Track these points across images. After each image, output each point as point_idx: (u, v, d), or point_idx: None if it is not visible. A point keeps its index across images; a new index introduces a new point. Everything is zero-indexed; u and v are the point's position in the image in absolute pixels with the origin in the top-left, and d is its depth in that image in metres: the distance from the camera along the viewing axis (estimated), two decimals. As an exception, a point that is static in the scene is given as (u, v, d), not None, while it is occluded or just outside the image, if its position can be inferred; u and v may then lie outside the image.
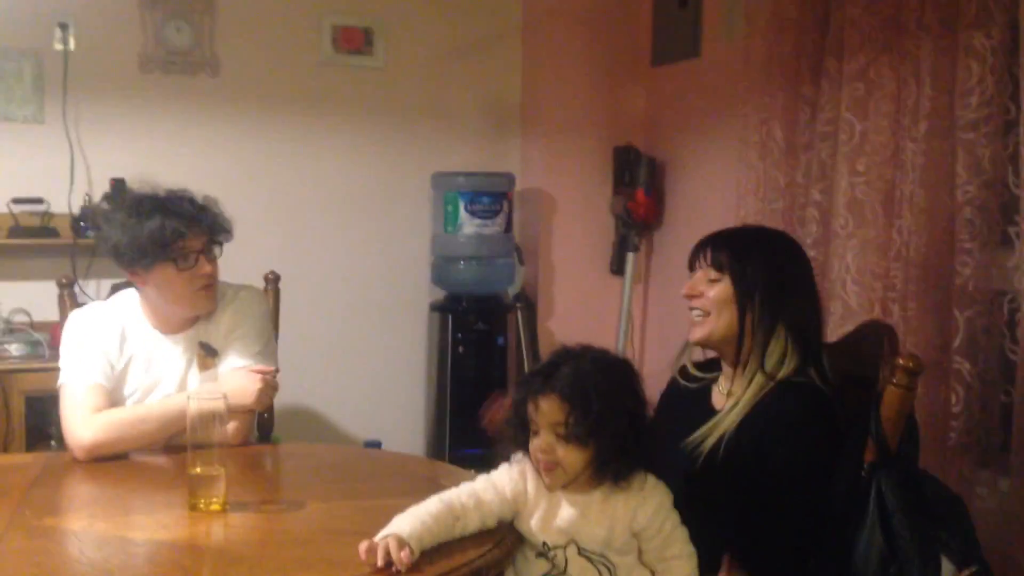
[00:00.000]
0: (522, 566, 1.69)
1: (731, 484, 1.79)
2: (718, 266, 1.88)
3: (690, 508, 1.73)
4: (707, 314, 1.89)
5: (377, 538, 1.49)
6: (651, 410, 1.72)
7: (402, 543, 1.47)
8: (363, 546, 1.47)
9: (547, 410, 1.62)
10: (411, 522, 1.53)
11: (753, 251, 1.90)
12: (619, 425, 1.61)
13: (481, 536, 1.60)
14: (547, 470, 1.64)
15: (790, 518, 1.74)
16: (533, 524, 1.67)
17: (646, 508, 1.67)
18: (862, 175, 2.56)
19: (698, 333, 1.92)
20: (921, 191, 2.38)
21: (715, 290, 1.88)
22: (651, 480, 1.69)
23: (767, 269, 1.87)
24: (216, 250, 2.27)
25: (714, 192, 3.54)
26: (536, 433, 1.64)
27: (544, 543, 1.66)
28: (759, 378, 1.82)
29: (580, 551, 1.66)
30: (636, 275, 4.00)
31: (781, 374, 1.82)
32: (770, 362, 1.82)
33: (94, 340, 2.26)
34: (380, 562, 1.44)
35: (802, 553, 1.75)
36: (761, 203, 2.98)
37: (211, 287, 2.26)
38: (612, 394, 1.63)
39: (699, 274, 1.91)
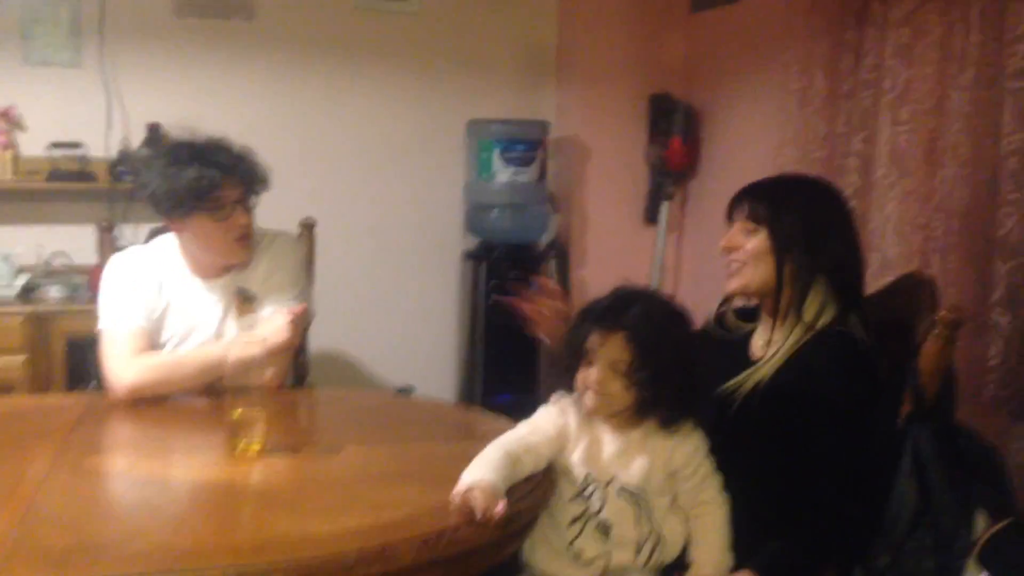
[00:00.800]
0: (556, 510, 1.71)
1: (766, 432, 1.79)
2: (755, 218, 1.86)
3: (722, 456, 1.75)
4: (744, 264, 1.88)
5: (460, 489, 1.49)
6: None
7: (496, 493, 1.48)
8: (455, 502, 1.47)
9: (612, 347, 1.65)
10: (487, 471, 1.53)
11: (790, 201, 1.87)
12: (677, 374, 1.65)
13: (515, 484, 1.62)
14: (593, 399, 1.67)
15: (826, 467, 1.74)
16: (575, 458, 1.70)
17: (684, 448, 1.70)
18: (905, 124, 2.52)
19: (734, 283, 1.91)
20: (965, 141, 2.34)
21: (752, 242, 1.86)
22: (690, 424, 1.72)
23: (805, 219, 1.84)
24: (252, 201, 2.28)
25: (752, 141, 3.50)
26: (591, 364, 1.67)
27: (586, 477, 1.69)
28: (798, 329, 1.81)
29: (620, 490, 1.68)
30: (670, 224, 3.98)
31: (820, 323, 1.80)
32: (809, 312, 1.81)
33: (133, 285, 2.28)
34: (480, 515, 1.43)
35: (839, 503, 1.75)
36: (800, 152, 2.94)
37: (246, 238, 2.28)
38: (676, 343, 1.67)
39: (737, 226, 1.89)
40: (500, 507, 1.45)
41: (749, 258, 1.87)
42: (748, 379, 1.83)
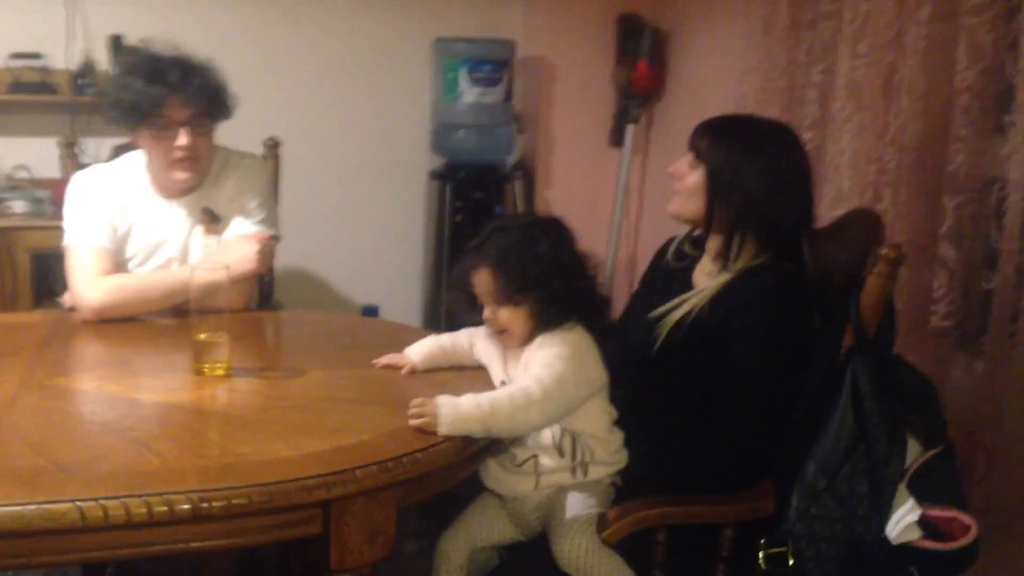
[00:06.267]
0: None
1: (687, 362, 1.87)
2: (698, 155, 1.92)
3: (646, 377, 1.85)
4: (680, 195, 1.96)
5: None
6: (590, 262, 1.80)
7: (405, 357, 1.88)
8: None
9: (480, 282, 1.75)
10: (413, 350, 1.90)
11: (734, 149, 1.88)
12: (547, 279, 1.71)
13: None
14: (499, 334, 1.78)
15: (753, 395, 1.80)
16: (494, 369, 1.83)
17: (533, 347, 1.75)
18: (863, 57, 2.55)
19: (671, 207, 1.99)
20: (920, 76, 2.37)
21: (692, 177, 1.92)
22: (578, 328, 1.76)
23: (741, 172, 1.86)
24: (204, 123, 2.24)
25: (717, 66, 3.51)
26: (483, 305, 1.77)
27: (503, 384, 1.79)
28: (725, 269, 1.89)
29: None
30: (635, 147, 4.01)
31: (747, 265, 1.87)
32: (737, 259, 1.88)
33: (98, 203, 2.29)
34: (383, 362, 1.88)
35: (767, 430, 1.84)
36: (763, 80, 2.96)
37: (188, 160, 2.23)
38: (535, 252, 1.72)
39: (685, 157, 1.95)
40: (405, 369, 1.86)
41: (685, 190, 1.94)
42: (679, 306, 1.90)
